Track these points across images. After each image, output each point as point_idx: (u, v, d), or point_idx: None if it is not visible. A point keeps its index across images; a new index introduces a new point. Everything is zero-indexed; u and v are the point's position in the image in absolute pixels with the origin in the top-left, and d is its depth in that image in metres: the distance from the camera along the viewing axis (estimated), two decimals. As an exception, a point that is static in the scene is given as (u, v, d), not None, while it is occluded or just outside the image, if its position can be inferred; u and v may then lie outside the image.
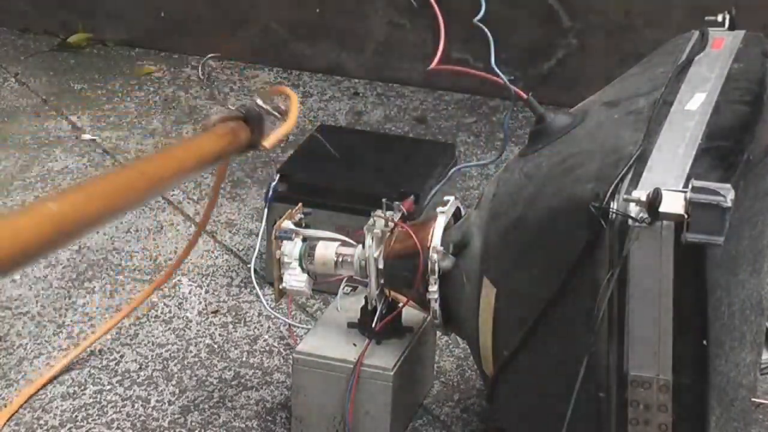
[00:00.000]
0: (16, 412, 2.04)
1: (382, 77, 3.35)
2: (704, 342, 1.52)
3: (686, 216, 1.44)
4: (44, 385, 2.10)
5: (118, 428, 2.03)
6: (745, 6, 2.13)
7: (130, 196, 1.36)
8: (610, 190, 1.51)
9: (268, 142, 1.70)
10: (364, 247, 1.92)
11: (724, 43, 1.84)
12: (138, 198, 1.39)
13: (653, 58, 1.88)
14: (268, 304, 2.30)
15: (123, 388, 2.12)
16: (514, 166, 1.77)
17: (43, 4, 3.60)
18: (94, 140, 3.00)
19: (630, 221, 1.49)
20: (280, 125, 1.73)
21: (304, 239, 1.97)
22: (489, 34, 1.81)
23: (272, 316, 2.31)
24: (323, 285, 2.08)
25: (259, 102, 1.75)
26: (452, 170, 2.47)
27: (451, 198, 1.96)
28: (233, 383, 2.14)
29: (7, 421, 2.02)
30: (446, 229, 1.89)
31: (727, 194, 1.43)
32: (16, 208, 2.67)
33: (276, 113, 1.73)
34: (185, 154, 1.58)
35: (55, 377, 2.13)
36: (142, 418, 2.05)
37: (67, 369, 2.16)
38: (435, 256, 1.85)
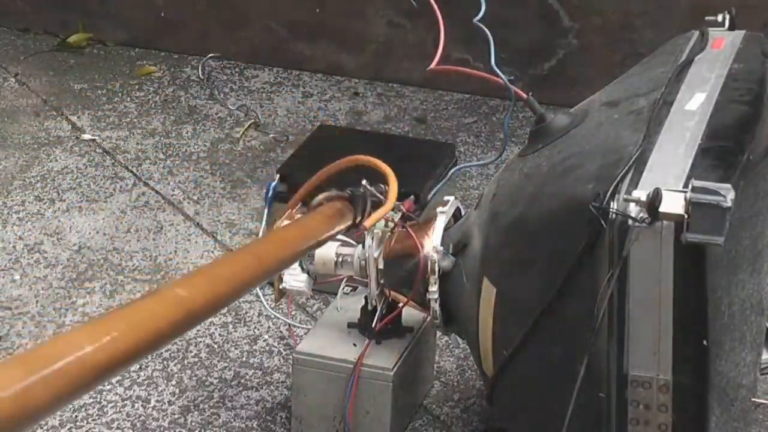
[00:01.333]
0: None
1: (382, 77, 3.35)
2: (704, 342, 1.52)
3: (686, 216, 1.44)
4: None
5: (118, 428, 2.03)
6: (745, 6, 2.13)
7: (248, 280, 1.40)
8: (610, 190, 1.51)
9: (368, 222, 1.77)
10: (364, 247, 1.92)
11: (724, 43, 1.84)
12: (254, 282, 1.45)
13: (653, 58, 1.88)
14: (268, 304, 2.30)
15: (123, 388, 2.12)
16: (514, 166, 1.77)
17: (43, 4, 3.60)
18: (94, 140, 3.00)
19: (630, 221, 1.49)
20: (381, 205, 1.83)
21: (304, 239, 1.97)
22: (489, 34, 1.81)
23: (272, 316, 2.31)
24: (323, 285, 2.08)
25: (365, 184, 1.85)
26: (452, 170, 2.47)
27: (451, 198, 1.96)
28: (233, 383, 2.14)
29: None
30: (446, 229, 1.89)
31: (727, 194, 1.43)
32: (16, 207, 2.67)
33: (379, 195, 1.80)
34: (296, 235, 1.63)
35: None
36: (142, 418, 2.05)
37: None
38: (435, 256, 1.85)
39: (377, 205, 1.84)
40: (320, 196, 1.83)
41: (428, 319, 1.99)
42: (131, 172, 2.85)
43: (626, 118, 1.67)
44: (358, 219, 1.77)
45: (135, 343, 1.12)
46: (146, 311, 1.17)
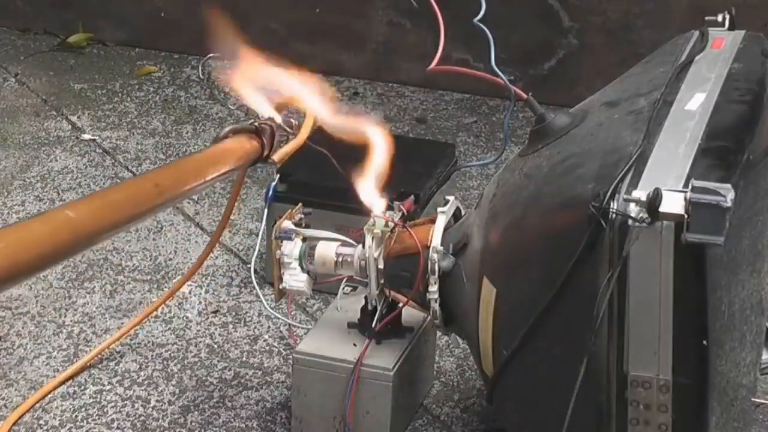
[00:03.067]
0: (21, 417, 2.04)
1: (382, 77, 3.35)
2: (704, 342, 1.52)
3: (686, 216, 1.44)
4: (52, 391, 2.10)
5: (118, 428, 2.03)
6: (745, 6, 2.13)
7: (144, 206, 1.38)
8: (610, 190, 1.51)
9: (277, 156, 1.72)
10: (364, 247, 1.92)
11: (724, 43, 1.83)
12: (150, 208, 1.42)
13: (653, 58, 1.88)
14: (268, 304, 2.30)
15: (123, 388, 2.12)
16: (514, 166, 1.77)
17: (43, 4, 3.60)
18: (94, 140, 3.00)
19: (630, 221, 1.49)
20: (291, 140, 1.75)
21: (304, 239, 1.97)
22: (489, 34, 1.81)
23: (272, 316, 2.31)
24: (323, 285, 2.08)
25: (272, 116, 1.75)
26: (452, 170, 2.47)
27: (451, 198, 1.96)
28: (233, 383, 2.14)
29: (12, 426, 2.02)
30: (446, 229, 1.89)
31: (727, 194, 1.43)
32: (16, 207, 2.67)
33: (287, 128, 1.75)
34: (197, 165, 1.60)
35: (62, 383, 2.12)
36: (142, 418, 2.05)
37: (67, 369, 2.16)
38: (435, 256, 1.85)
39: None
40: (226, 129, 1.74)
41: (428, 319, 1.99)
42: (131, 172, 2.85)
43: (626, 118, 1.67)
44: (266, 152, 1.71)
45: (15, 261, 1.11)
46: (31, 231, 1.16)
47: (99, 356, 2.18)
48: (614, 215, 1.50)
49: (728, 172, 1.53)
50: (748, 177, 1.58)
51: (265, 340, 2.26)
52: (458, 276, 1.83)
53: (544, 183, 1.65)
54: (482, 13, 1.84)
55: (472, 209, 1.88)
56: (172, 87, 3.31)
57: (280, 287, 1.98)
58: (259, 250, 2.40)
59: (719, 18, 1.90)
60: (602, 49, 3.16)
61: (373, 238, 1.91)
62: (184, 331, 2.28)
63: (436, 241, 1.86)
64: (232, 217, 2.66)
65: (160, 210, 1.60)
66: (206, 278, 2.44)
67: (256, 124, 1.71)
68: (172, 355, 2.21)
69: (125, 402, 2.09)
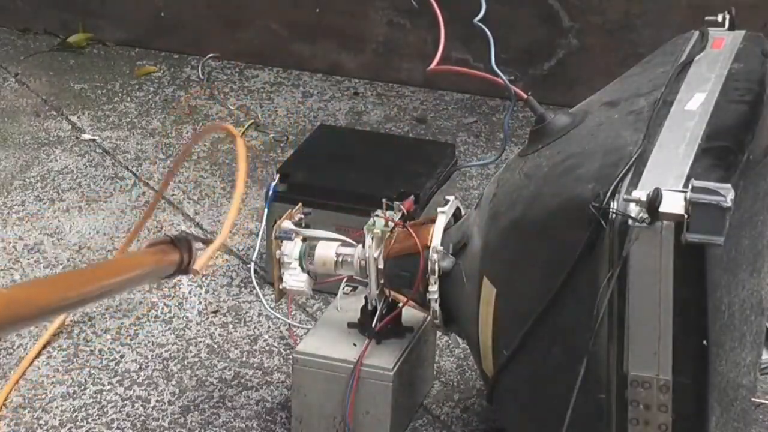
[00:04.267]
0: (17, 383, 2.07)
1: (382, 77, 3.35)
2: (704, 342, 1.52)
3: (686, 216, 1.44)
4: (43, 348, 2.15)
5: (118, 428, 2.03)
6: (745, 6, 2.13)
7: (44, 307, 1.42)
8: (610, 190, 1.51)
9: (198, 265, 1.73)
10: (364, 247, 1.92)
11: (724, 43, 1.84)
12: (51, 310, 1.45)
13: (653, 58, 1.88)
14: (268, 304, 2.30)
15: (123, 388, 2.12)
16: (514, 166, 1.77)
17: (43, 4, 3.60)
18: (94, 140, 3.00)
19: (630, 221, 1.49)
20: (209, 247, 1.76)
21: (304, 239, 1.97)
22: (489, 34, 1.81)
23: (272, 316, 2.31)
24: (323, 285, 2.08)
25: (186, 231, 1.79)
26: (452, 170, 2.47)
27: (451, 198, 1.96)
28: (233, 383, 2.14)
29: (5, 399, 2.04)
30: (446, 229, 1.89)
31: (727, 194, 1.43)
32: (16, 207, 2.67)
33: (201, 240, 1.76)
34: (120, 267, 1.64)
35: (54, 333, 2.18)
36: (142, 418, 2.05)
37: (67, 369, 2.16)
38: (435, 256, 1.85)
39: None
40: (145, 244, 1.77)
41: (428, 319, 1.99)
42: (131, 172, 2.85)
43: (626, 118, 1.67)
44: (186, 263, 1.72)
45: None
46: None
47: (99, 356, 2.19)
48: (614, 215, 1.50)
49: (728, 172, 1.53)
50: (748, 177, 1.58)
51: (265, 340, 2.26)
52: (458, 276, 1.83)
53: (544, 183, 1.65)
54: (482, 13, 1.84)
55: (472, 209, 1.88)
56: (172, 87, 3.31)
57: (280, 287, 1.98)
58: (259, 250, 2.40)
59: (719, 18, 1.90)
60: (602, 49, 3.16)
61: (373, 238, 1.91)
62: (184, 331, 2.28)
63: (436, 241, 1.86)
64: (232, 217, 2.66)
65: (60, 313, 1.68)
66: (206, 278, 2.44)
67: (171, 236, 1.72)
68: (172, 355, 2.21)
69: (125, 402, 2.09)
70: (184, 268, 1.69)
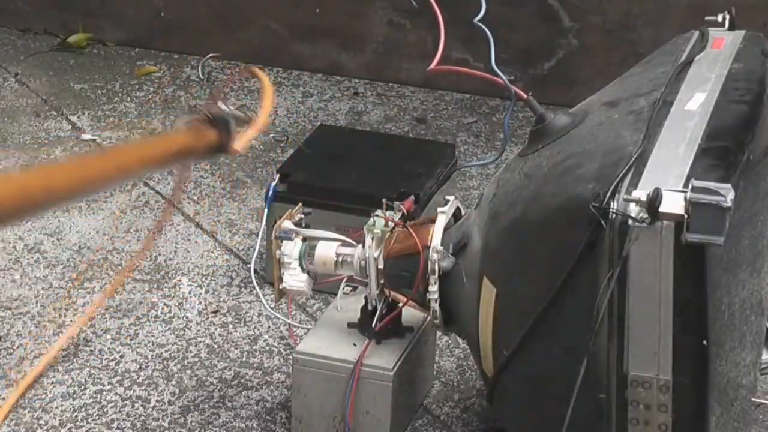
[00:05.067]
0: (18, 401, 2.06)
1: (382, 77, 3.35)
2: (704, 342, 1.52)
3: (686, 216, 1.44)
4: (39, 376, 2.12)
5: (118, 428, 2.03)
6: (745, 6, 2.13)
7: (96, 177, 1.38)
8: (611, 190, 1.51)
9: (239, 145, 1.68)
10: (364, 247, 1.92)
11: (724, 43, 1.84)
12: (102, 181, 1.42)
13: (653, 58, 1.88)
14: (268, 304, 2.30)
15: (123, 388, 2.12)
16: (514, 166, 1.77)
17: (43, 4, 3.60)
18: (94, 140, 3.00)
19: (630, 221, 1.49)
20: (249, 127, 1.72)
21: (304, 239, 1.97)
22: (489, 34, 1.81)
23: (272, 316, 2.31)
24: (323, 285, 2.08)
25: (223, 106, 1.72)
26: (452, 170, 2.47)
27: (451, 198, 1.96)
28: (233, 383, 2.14)
29: (5, 418, 2.02)
30: (446, 229, 1.89)
31: (727, 194, 1.43)
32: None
33: (242, 115, 1.71)
34: (151, 146, 1.59)
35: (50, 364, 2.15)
36: (142, 418, 2.05)
37: (67, 369, 2.16)
38: (435, 256, 1.84)
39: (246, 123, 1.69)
40: (180, 119, 1.72)
41: (428, 319, 1.99)
42: (131, 172, 2.85)
43: (626, 118, 1.67)
44: (225, 141, 1.65)
45: None
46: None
47: (99, 356, 2.19)
48: (614, 215, 1.50)
49: (728, 172, 1.53)
50: (748, 177, 1.58)
51: (265, 340, 2.26)
52: (458, 276, 1.83)
53: (544, 183, 1.65)
54: (482, 13, 1.84)
55: (472, 209, 1.88)
56: (172, 87, 3.31)
57: (280, 287, 1.98)
58: (259, 250, 2.40)
59: (719, 18, 1.90)
60: (602, 49, 3.16)
61: (373, 238, 1.91)
62: (184, 331, 2.28)
63: (436, 241, 1.86)
64: (232, 217, 2.66)
65: (112, 184, 1.59)
66: (206, 278, 2.44)
67: (209, 113, 1.67)
68: (172, 355, 2.21)
69: (125, 402, 2.09)
70: (222, 147, 1.64)
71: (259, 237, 2.35)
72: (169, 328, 2.28)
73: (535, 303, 1.62)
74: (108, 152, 1.60)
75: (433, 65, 1.89)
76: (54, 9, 3.59)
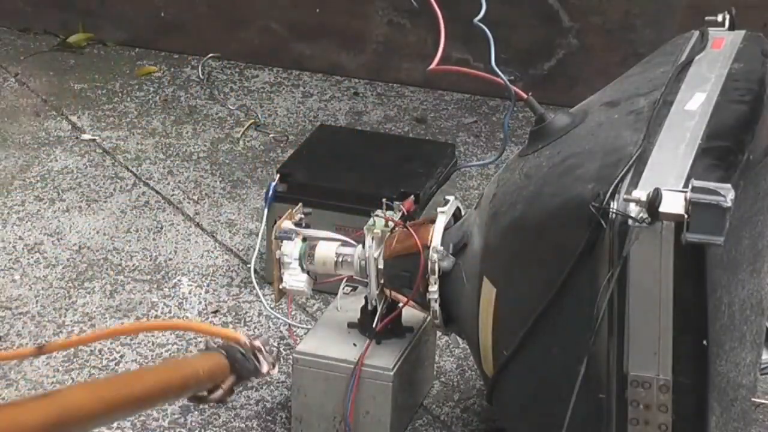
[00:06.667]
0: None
1: (382, 77, 3.35)
2: (704, 342, 1.52)
3: (686, 216, 1.44)
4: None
5: (118, 428, 2.03)
6: (745, 6, 2.13)
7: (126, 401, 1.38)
8: (611, 190, 1.51)
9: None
10: (364, 247, 1.92)
11: (724, 43, 1.84)
12: (132, 404, 1.40)
13: (653, 58, 1.88)
14: (268, 304, 2.30)
15: (123, 388, 2.12)
16: (514, 166, 1.77)
17: (43, 4, 3.60)
18: (94, 140, 3.00)
19: (630, 221, 1.49)
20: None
21: (304, 239, 1.97)
22: (489, 34, 1.81)
23: (272, 316, 2.31)
24: (323, 285, 2.08)
25: (247, 345, 1.62)
26: (452, 170, 2.47)
27: (451, 198, 1.96)
28: (233, 383, 2.14)
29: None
30: (446, 229, 1.89)
31: (727, 194, 1.43)
32: (16, 207, 2.67)
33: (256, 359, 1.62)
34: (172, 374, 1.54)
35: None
36: (142, 418, 2.05)
37: (67, 369, 2.16)
38: (435, 256, 1.84)
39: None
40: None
41: (428, 319, 1.99)
42: (131, 172, 2.85)
43: (626, 118, 1.67)
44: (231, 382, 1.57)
45: None
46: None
47: (99, 356, 2.19)
48: (614, 215, 1.50)
49: (728, 172, 1.53)
50: (748, 177, 1.58)
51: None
52: (458, 276, 1.83)
53: (544, 183, 1.65)
54: (482, 13, 1.84)
55: (472, 209, 1.88)
56: (172, 87, 3.31)
57: (280, 287, 1.98)
58: (259, 250, 2.40)
59: (719, 18, 1.90)
60: (602, 49, 3.16)
61: (373, 238, 1.91)
62: (184, 331, 2.27)
63: (436, 241, 1.86)
64: (232, 217, 2.66)
65: (139, 409, 1.63)
66: (206, 278, 2.44)
67: (224, 351, 1.59)
68: (172, 355, 2.21)
69: (125, 402, 2.09)
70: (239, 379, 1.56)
71: (259, 237, 2.35)
72: (169, 328, 2.28)
73: (535, 303, 1.62)
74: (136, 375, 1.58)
75: (433, 65, 1.89)
76: (54, 9, 3.59)
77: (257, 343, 1.59)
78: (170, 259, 2.50)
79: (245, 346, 1.57)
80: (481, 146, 3.02)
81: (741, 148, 1.58)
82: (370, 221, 1.93)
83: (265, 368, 1.59)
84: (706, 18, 1.91)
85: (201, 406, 2.06)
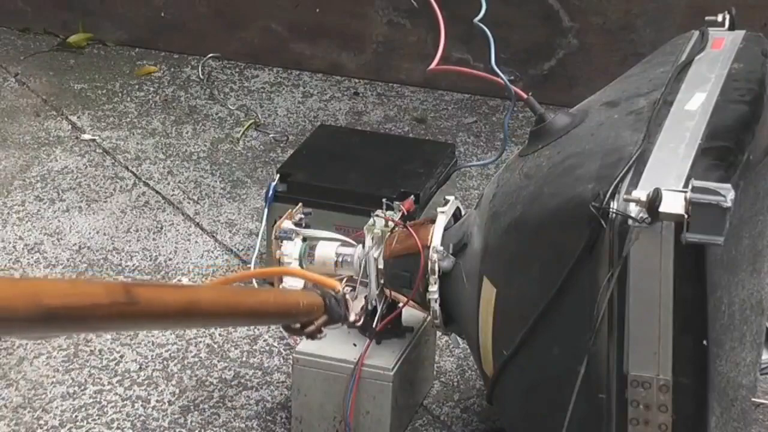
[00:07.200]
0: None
1: (382, 77, 3.35)
2: (704, 342, 1.52)
3: (686, 216, 1.44)
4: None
5: (118, 428, 2.03)
6: (745, 6, 2.13)
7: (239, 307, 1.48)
8: (611, 190, 1.51)
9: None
10: (364, 247, 1.92)
11: (724, 43, 1.84)
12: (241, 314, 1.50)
13: (653, 58, 1.88)
14: (268, 304, 2.30)
15: (123, 388, 2.12)
16: (514, 166, 1.77)
17: (43, 4, 3.60)
18: (94, 140, 3.00)
19: (630, 221, 1.49)
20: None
21: (304, 239, 1.97)
22: (489, 34, 1.81)
23: (272, 316, 2.31)
24: (323, 285, 2.08)
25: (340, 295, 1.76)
26: (452, 170, 2.47)
27: (451, 198, 1.96)
28: (233, 383, 2.14)
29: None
30: (446, 229, 1.89)
31: (727, 194, 1.43)
32: (16, 207, 2.67)
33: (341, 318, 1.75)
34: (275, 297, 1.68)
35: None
36: (142, 418, 2.05)
37: (67, 369, 2.16)
38: (435, 256, 1.85)
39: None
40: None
41: (428, 319, 1.99)
42: (131, 172, 2.85)
43: (626, 118, 1.67)
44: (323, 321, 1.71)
45: None
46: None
47: (99, 356, 2.19)
48: (614, 215, 1.50)
49: (728, 172, 1.53)
50: (748, 177, 1.58)
51: (265, 340, 2.26)
52: (458, 276, 1.83)
53: (544, 183, 1.65)
54: (482, 13, 1.84)
55: (472, 209, 1.88)
56: (172, 87, 3.31)
57: (280, 287, 1.98)
58: (259, 250, 2.40)
59: (719, 18, 1.90)
60: (602, 49, 3.16)
61: (373, 238, 1.91)
62: (184, 331, 2.27)
63: (436, 241, 1.86)
64: (232, 217, 2.66)
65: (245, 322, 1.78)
66: (206, 278, 2.44)
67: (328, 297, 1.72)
68: (172, 355, 2.21)
69: (125, 402, 2.09)
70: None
71: (259, 237, 2.35)
72: (169, 328, 2.28)
73: (535, 303, 1.62)
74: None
75: (433, 65, 1.89)
76: (54, 9, 3.59)
77: (348, 297, 1.76)
78: (170, 259, 2.50)
79: (339, 293, 1.73)
80: (481, 146, 3.02)
81: (741, 148, 1.58)
82: (370, 221, 1.93)
83: (352, 316, 1.77)
84: (706, 18, 1.91)
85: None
